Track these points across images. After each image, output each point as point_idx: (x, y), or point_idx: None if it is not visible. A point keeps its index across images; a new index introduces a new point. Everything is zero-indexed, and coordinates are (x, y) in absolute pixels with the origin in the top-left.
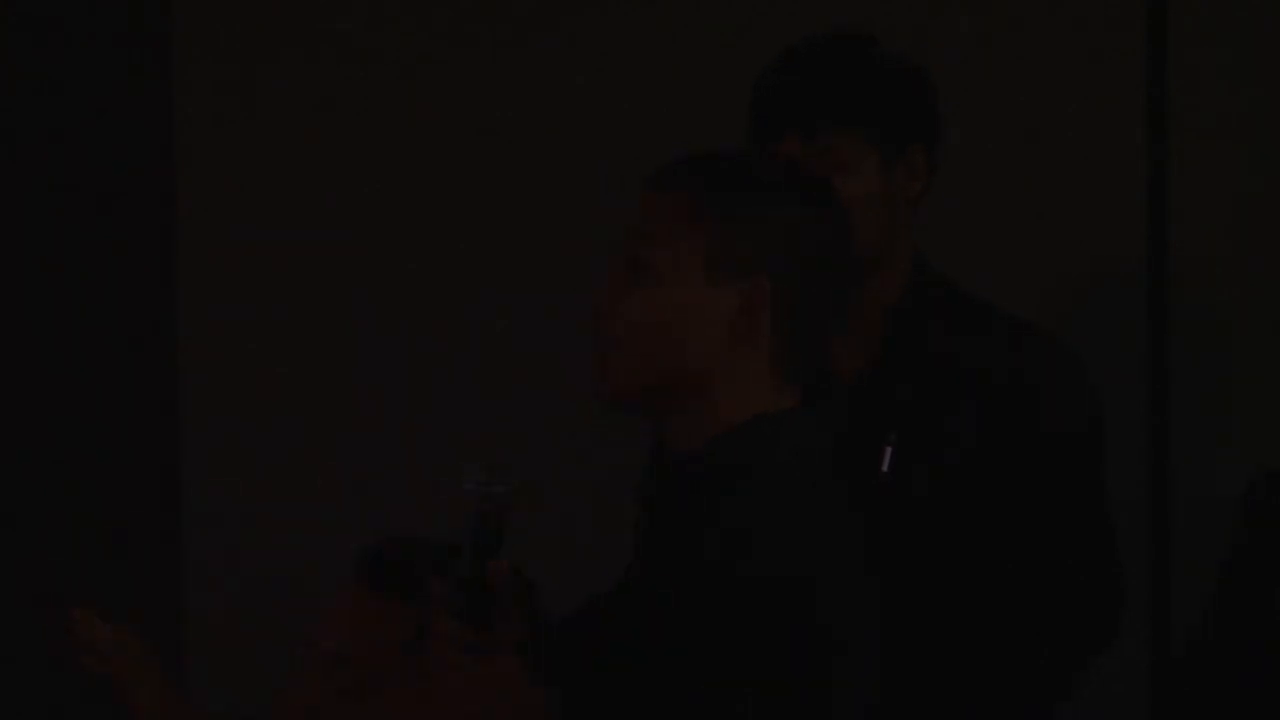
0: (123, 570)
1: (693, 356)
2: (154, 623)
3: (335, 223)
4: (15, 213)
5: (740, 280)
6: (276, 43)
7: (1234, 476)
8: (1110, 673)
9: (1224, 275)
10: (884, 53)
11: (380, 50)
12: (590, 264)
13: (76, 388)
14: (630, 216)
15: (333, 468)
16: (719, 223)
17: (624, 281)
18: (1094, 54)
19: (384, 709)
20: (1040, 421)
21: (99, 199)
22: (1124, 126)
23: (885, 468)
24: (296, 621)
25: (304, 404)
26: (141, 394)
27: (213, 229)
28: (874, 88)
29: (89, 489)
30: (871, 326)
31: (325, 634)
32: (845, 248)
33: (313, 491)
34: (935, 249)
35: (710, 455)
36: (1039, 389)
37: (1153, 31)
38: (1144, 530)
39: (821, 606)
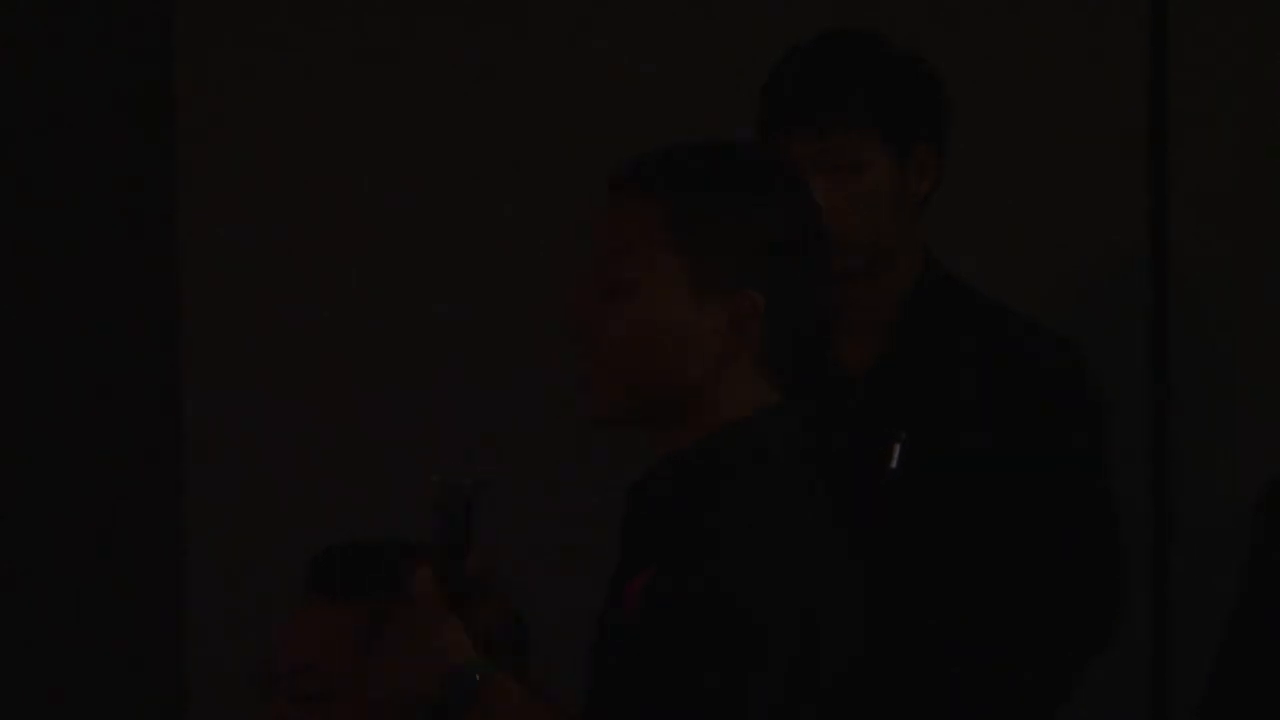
0: (123, 570)
1: (683, 373)
2: (154, 624)
3: (337, 223)
4: (15, 212)
5: (729, 292)
6: (278, 41)
7: (1235, 476)
8: (1110, 673)
9: (1226, 274)
10: (893, 51)
11: (383, 50)
12: None
13: (78, 388)
14: (602, 221)
15: (335, 469)
16: (702, 238)
17: (605, 298)
18: (1094, 52)
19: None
20: (1045, 420)
21: (100, 198)
22: (1125, 123)
23: (894, 464)
24: None
25: (306, 404)
26: (143, 394)
27: (214, 228)
28: (886, 86)
29: (90, 489)
30: (880, 324)
31: (281, 653)
32: (825, 240)
33: (315, 493)
34: (937, 246)
35: (693, 457)
36: (1045, 387)
37: (1154, 26)
38: (1145, 528)
39: (802, 607)
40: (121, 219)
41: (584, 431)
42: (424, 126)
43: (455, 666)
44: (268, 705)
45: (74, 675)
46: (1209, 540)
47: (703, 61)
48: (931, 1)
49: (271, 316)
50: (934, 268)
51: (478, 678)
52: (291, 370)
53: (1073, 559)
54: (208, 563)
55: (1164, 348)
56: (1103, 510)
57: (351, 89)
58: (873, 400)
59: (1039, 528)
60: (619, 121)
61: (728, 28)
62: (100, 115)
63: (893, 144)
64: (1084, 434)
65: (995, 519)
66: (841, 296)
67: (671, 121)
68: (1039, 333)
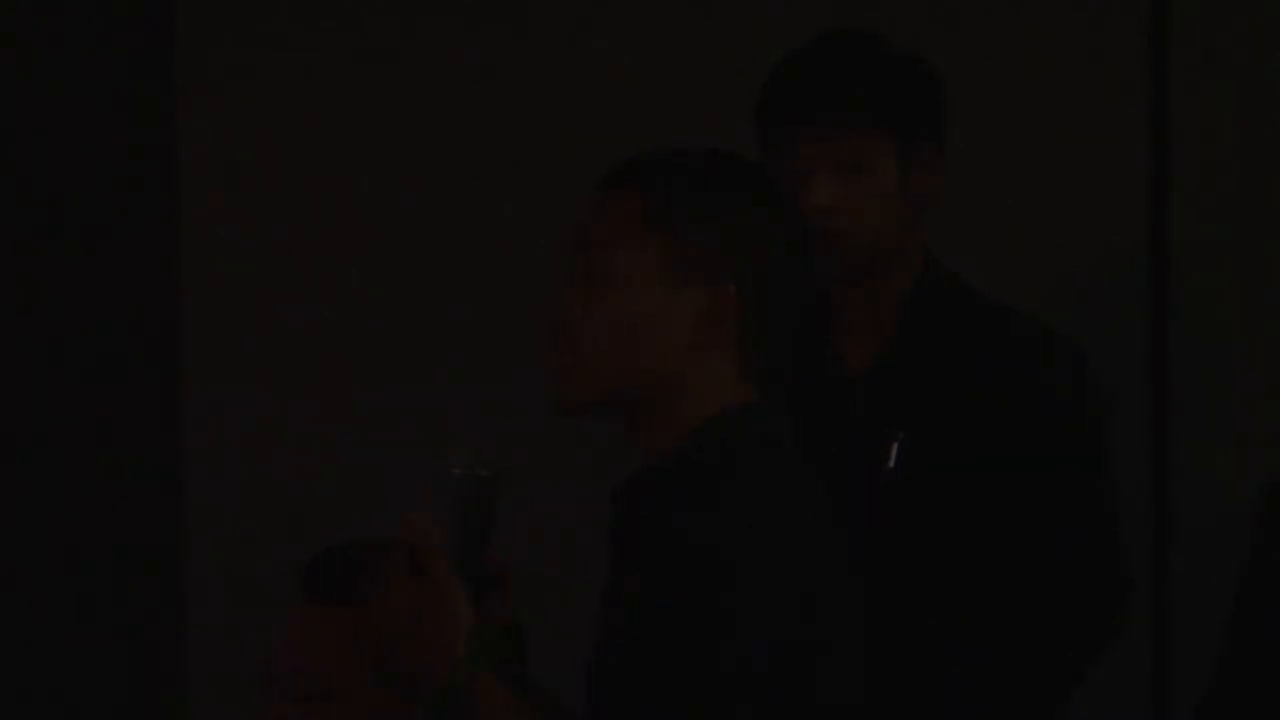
0: (123, 570)
1: (656, 362)
2: (155, 624)
3: (337, 223)
4: (15, 212)
5: (703, 286)
6: (278, 41)
7: (1235, 476)
8: (1110, 673)
9: (1226, 274)
10: (894, 51)
11: (383, 50)
12: None
13: (78, 388)
14: (585, 219)
15: (336, 469)
16: (680, 227)
17: (585, 290)
18: (1094, 52)
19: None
20: (1045, 419)
21: (100, 198)
22: (1125, 123)
23: (892, 463)
24: None
25: (306, 404)
26: (143, 394)
27: (214, 228)
28: (889, 86)
29: (90, 489)
30: (880, 324)
31: (280, 653)
32: (803, 243)
33: (315, 493)
34: (937, 246)
35: (676, 460)
36: (1046, 387)
37: (1155, 26)
38: (1145, 528)
39: (798, 607)
40: (121, 219)
41: (584, 431)
42: (424, 126)
43: (456, 660)
44: (267, 706)
45: (75, 675)
46: (1209, 540)
47: (703, 61)
48: (931, 1)
49: (271, 316)
50: (934, 268)
51: (466, 677)
52: (291, 370)
53: (1072, 559)
54: (208, 563)
55: (1164, 348)
56: (1103, 510)
57: (351, 89)
58: (872, 400)
59: (1038, 528)
60: (619, 121)
61: (728, 28)
62: (100, 115)
63: (894, 144)
64: (1084, 433)
65: (995, 519)
66: (841, 296)
67: (671, 121)
68: (1039, 332)
